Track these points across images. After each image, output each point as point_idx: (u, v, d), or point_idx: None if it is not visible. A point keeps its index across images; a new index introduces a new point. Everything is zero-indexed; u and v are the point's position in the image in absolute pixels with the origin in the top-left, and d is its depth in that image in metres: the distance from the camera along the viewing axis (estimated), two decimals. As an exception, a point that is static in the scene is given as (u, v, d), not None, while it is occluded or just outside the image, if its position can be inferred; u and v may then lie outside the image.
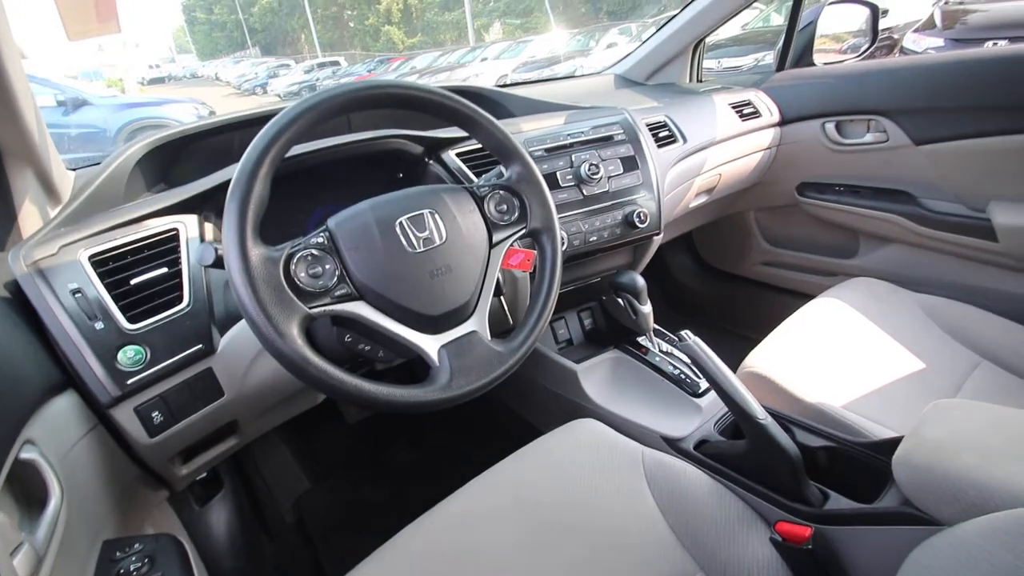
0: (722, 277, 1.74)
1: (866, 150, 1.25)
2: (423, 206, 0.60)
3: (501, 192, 0.66)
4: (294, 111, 0.53)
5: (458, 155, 0.88)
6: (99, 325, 0.59)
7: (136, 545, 0.57)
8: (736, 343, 1.06)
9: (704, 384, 0.90)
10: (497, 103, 1.22)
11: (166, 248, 0.65)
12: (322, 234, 0.56)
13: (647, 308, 0.97)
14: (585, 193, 0.94)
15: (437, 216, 0.60)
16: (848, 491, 0.66)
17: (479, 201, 0.65)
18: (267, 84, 17.03)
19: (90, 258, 0.61)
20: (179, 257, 0.65)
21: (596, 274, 1.08)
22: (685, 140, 1.15)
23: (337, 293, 0.54)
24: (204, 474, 0.85)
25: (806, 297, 1.09)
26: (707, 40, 1.47)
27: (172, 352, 0.61)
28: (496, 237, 0.64)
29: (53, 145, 0.72)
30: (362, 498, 1.24)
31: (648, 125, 1.10)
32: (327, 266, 0.54)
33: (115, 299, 0.60)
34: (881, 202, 1.26)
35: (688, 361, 0.94)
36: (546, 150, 0.94)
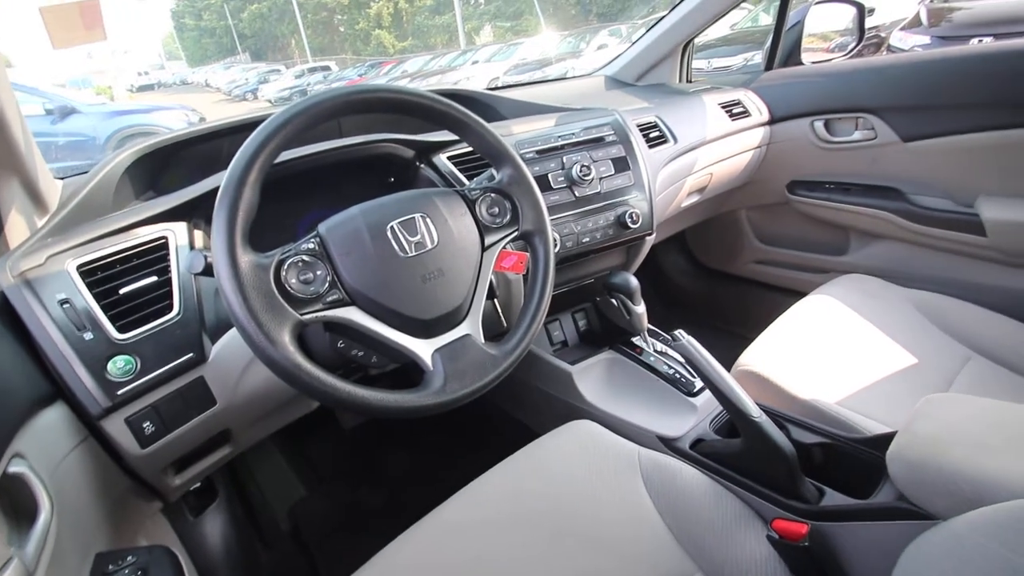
0: (715, 276, 1.74)
1: (855, 148, 1.26)
2: (414, 210, 0.60)
3: (492, 195, 0.66)
4: (283, 116, 0.53)
5: (449, 158, 0.88)
6: (88, 335, 0.58)
7: (129, 557, 0.56)
8: (730, 341, 1.07)
9: (699, 383, 0.90)
10: (488, 106, 1.22)
11: (155, 256, 0.64)
12: (313, 240, 0.56)
13: (641, 308, 0.97)
14: (577, 194, 0.94)
15: (428, 220, 0.60)
16: (843, 487, 0.67)
17: (470, 204, 0.65)
18: (258, 90, 16.97)
19: (78, 268, 0.61)
20: (169, 265, 0.64)
21: (589, 275, 1.08)
22: (676, 140, 1.15)
23: (329, 299, 0.53)
24: (198, 484, 0.84)
25: (799, 294, 1.09)
26: (696, 40, 1.48)
27: (163, 361, 0.61)
28: (488, 240, 0.64)
29: (39, 154, 0.71)
30: (358, 504, 1.24)
31: (639, 126, 1.10)
32: (318, 272, 0.54)
33: (104, 309, 0.60)
34: (871, 199, 1.27)
35: (683, 360, 0.94)
36: (537, 152, 0.94)
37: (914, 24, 4.53)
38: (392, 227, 0.58)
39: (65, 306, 0.58)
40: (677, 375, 0.94)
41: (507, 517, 0.66)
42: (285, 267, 0.52)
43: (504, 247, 0.66)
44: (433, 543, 0.64)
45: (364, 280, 0.55)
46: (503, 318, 0.85)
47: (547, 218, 0.68)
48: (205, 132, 0.91)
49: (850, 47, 1.41)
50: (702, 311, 1.80)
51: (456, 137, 0.69)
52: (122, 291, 0.61)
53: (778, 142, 1.38)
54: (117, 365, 0.58)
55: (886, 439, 0.61)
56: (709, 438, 0.81)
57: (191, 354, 0.62)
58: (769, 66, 1.43)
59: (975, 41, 3.74)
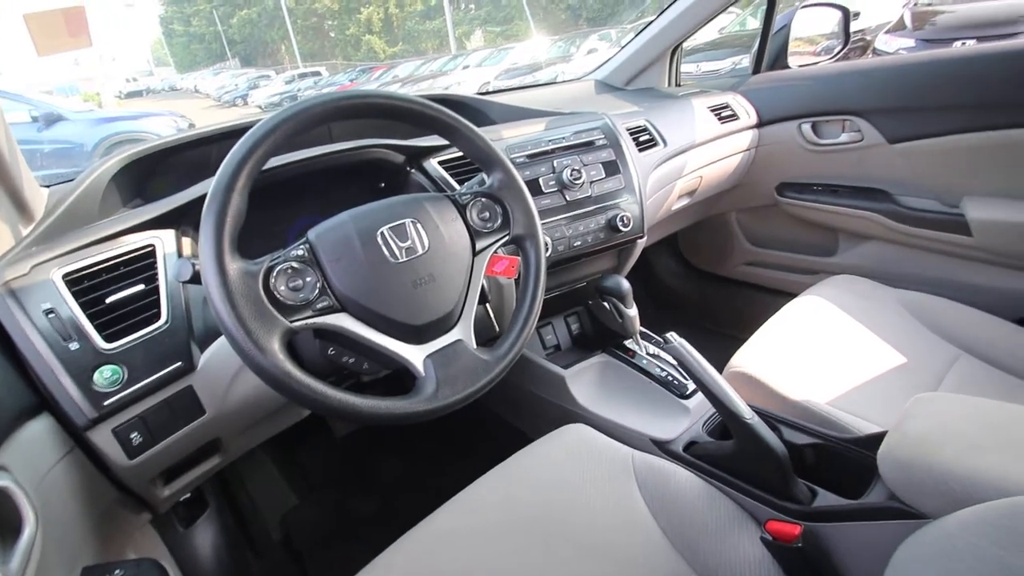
0: (707, 278, 1.75)
1: (842, 150, 1.27)
2: (405, 215, 0.60)
3: (483, 199, 0.66)
4: (271, 123, 0.53)
5: (440, 163, 0.88)
6: (74, 345, 0.57)
7: (117, 571, 0.55)
8: (722, 343, 1.07)
9: (691, 385, 0.90)
10: (478, 111, 1.22)
11: (143, 265, 0.64)
12: (302, 246, 0.55)
13: (633, 311, 0.97)
14: (568, 198, 0.94)
15: (419, 225, 0.60)
16: (836, 487, 0.67)
17: (461, 209, 0.65)
18: (247, 95, 16.90)
19: (64, 277, 0.60)
20: (156, 273, 0.63)
21: (581, 278, 1.08)
22: (665, 144, 1.16)
23: (319, 306, 0.53)
24: (188, 494, 0.83)
25: (789, 296, 1.10)
26: (685, 44, 1.49)
27: (150, 371, 0.60)
28: (479, 245, 0.64)
29: (24, 162, 0.70)
30: (350, 512, 1.23)
31: (628, 129, 1.11)
32: (308, 279, 0.53)
33: (90, 318, 0.59)
34: (858, 200, 1.28)
35: (675, 363, 0.94)
36: (528, 156, 0.94)
37: (898, 27, 4.60)
38: (382, 233, 0.58)
39: (50, 316, 0.57)
40: (670, 377, 0.94)
41: (501, 524, 0.66)
42: (274, 274, 0.51)
43: (495, 251, 0.66)
44: (427, 551, 0.63)
45: (354, 286, 0.54)
46: (496, 322, 0.85)
47: (538, 222, 0.68)
48: (193, 139, 0.91)
49: (836, 50, 1.42)
50: (694, 313, 1.80)
51: (446, 142, 0.69)
52: (108, 300, 0.60)
53: (766, 145, 1.39)
54: (104, 375, 0.58)
55: (877, 439, 0.61)
56: (702, 440, 0.81)
57: (179, 363, 0.61)
58: (757, 70, 1.44)
59: (958, 44, 3.81)
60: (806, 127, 1.31)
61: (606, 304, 0.99)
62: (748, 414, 0.68)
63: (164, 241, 0.66)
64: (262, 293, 0.50)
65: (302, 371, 0.50)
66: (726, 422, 0.71)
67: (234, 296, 0.48)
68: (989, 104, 1.06)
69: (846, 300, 1.05)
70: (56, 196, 0.76)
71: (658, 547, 0.63)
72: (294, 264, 0.53)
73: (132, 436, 0.60)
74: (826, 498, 0.66)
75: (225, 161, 0.51)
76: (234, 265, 0.49)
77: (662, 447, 0.82)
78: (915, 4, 4.94)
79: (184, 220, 0.70)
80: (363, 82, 14.83)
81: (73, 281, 0.60)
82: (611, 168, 1.00)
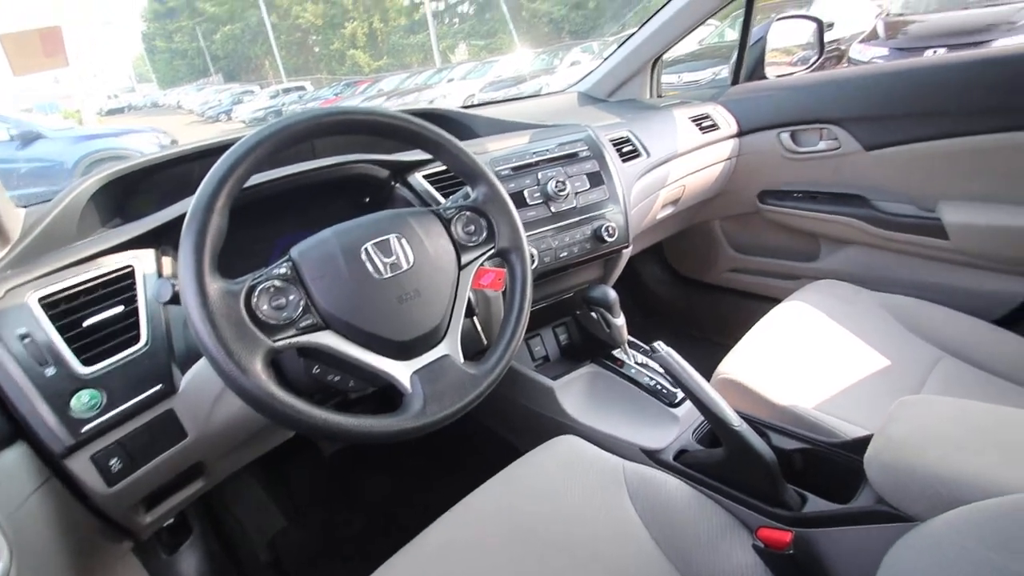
0: (693, 285, 1.77)
1: (820, 157, 1.30)
2: (389, 231, 0.60)
3: (468, 213, 0.66)
4: (251, 141, 0.52)
5: (425, 177, 0.88)
6: (50, 371, 0.56)
7: None
8: (709, 349, 1.08)
9: (680, 394, 0.91)
10: (463, 124, 1.22)
11: (121, 286, 0.62)
12: (285, 264, 0.55)
13: (620, 321, 0.97)
14: (553, 210, 0.95)
15: (403, 240, 0.60)
16: (825, 492, 0.67)
17: (446, 223, 0.65)
18: (231, 110, 16.82)
19: (40, 300, 0.58)
20: (135, 295, 0.62)
21: (569, 289, 1.09)
22: (648, 154, 1.17)
23: (302, 324, 0.52)
24: (171, 520, 0.81)
25: (774, 301, 1.11)
26: (667, 56, 1.51)
27: (130, 394, 0.59)
28: (465, 259, 0.64)
29: (-1, 182, 0.69)
30: (340, 531, 1.20)
31: (612, 141, 1.12)
32: (291, 297, 0.53)
33: (68, 342, 0.58)
34: (838, 206, 1.30)
35: (663, 371, 0.95)
36: (513, 169, 0.95)
37: (872, 37, 4.73)
38: (366, 248, 0.57)
39: (26, 341, 0.56)
40: (658, 386, 0.94)
41: (494, 538, 0.65)
42: (256, 293, 0.51)
43: (481, 265, 0.66)
44: (422, 567, 0.62)
45: (338, 303, 0.54)
46: (483, 335, 0.84)
47: (523, 235, 0.68)
48: (174, 156, 0.90)
49: (812, 60, 1.46)
50: (681, 320, 1.82)
51: (431, 156, 0.69)
52: (86, 323, 0.59)
53: (747, 154, 1.41)
54: (81, 400, 0.56)
55: (864, 442, 0.62)
56: (692, 448, 0.81)
57: (160, 386, 0.60)
58: (735, 80, 1.47)
59: (930, 52, 3.92)
60: (785, 136, 1.34)
61: (594, 314, 0.99)
62: (736, 421, 0.68)
63: (143, 261, 0.65)
64: (244, 313, 0.49)
65: (286, 391, 0.49)
66: (715, 430, 0.71)
67: (215, 317, 0.47)
68: (960, 111, 1.09)
69: (829, 305, 1.06)
70: (33, 217, 0.74)
71: (651, 558, 0.63)
72: (276, 282, 0.52)
73: (111, 462, 0.58)
74: (816, 503, 0.66)
75: (205, 180, 0.51)
76: (214, 285, 0.48)
77: (653, 456, 0.82)
78: (887, 14, 5.09)
79: (164, 239, 0.69)
80: (348, 96, 14.85)
81: (49, 304, 0.59)
82: (595, 179, 1.01)
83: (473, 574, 0.61)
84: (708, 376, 0.89)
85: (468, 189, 0.69)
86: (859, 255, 1.33)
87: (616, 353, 1.03)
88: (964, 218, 1.12)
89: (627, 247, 1.05)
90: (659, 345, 0.74)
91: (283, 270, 0.54)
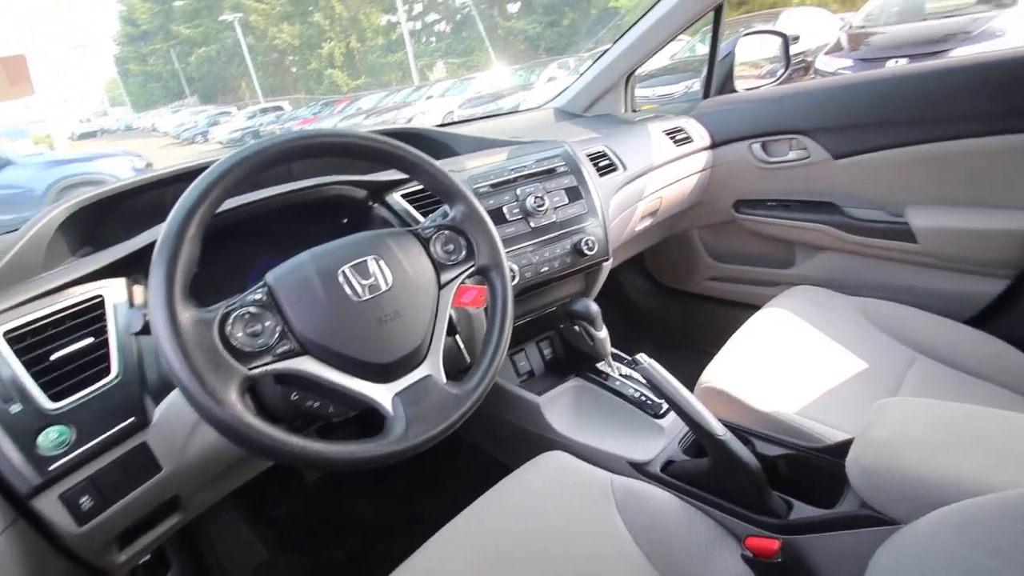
0: (674, 295, 1.79)
1: (791, 167, 1.33)
2: (366, 252, 0.59)
3: (446, 232, 0.66)
4: (223, 166, 0.52)
5: (404, 196, 0.88)
6: (15, 408, 0.54)
7: None
8: (693, 357, 1.08)
9: (665, 405, 0.91)
10: (440, 143, 1.23)
11: (91, 317, 0.61)
12: (260, 290, 0.54)
13: (603, 333, 0.98)
14: (533, 225, 0.95)
15: (381, 261, 0.59)
16: (810, 498, 0.68)
17: (424, 243, 0.64)
18: (208, 132, 16.69)
19: (5, 335, 0.56)
20: (105, 326, 0.61)
21: (551, 303, 1.09)
22: (625, 168, 1.19)
23: (279, 350, 0.51)
24: (148, 556, 0.78)
25: (753, 308, 1.13)
26: (640, 71, 1.55)
27: (101, 429, 0.57)
28: (444, 277, 0.64)
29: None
30: (326, 561, 1.17)
31: (589, 155, 1.13)
32: (267, 323, 0.52)
33: (34, 377, 0.56)
34: (810, 214, 1.34)
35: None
36: (491, 186, 0.95)
37: (836, 49, 4.91)
38: (344, 271, 0.57)
39: None
40: (643, 398, 0.94)
41: (484, 560, 0.64)
42: (230, 320, 0.50)
43: (461, 283, 0.65)
44: None
45: (316, 328, 0.53)
46: (466, 353, 0.84)
47: (502, 252, 0.68)
48: (148, 181, 0.88)
49: (779, 73, 1.50)
50: (664, 330, 1.83)
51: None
52: (53, 357, 0.57)
53: (721, 165, 1.44)
54: (49, 437, 0.54)
55: (845, 446, 0.63)
56: (679, 459, 0.81)
57: (132, 419, 0.58)
58: (707, 94, 1.50)
59: (892, 62, 4.08)
60: (756, 147, 1.37)
61: (577, 328, 0.99)
62: (720, 431, 0.68)
63: (114, 291, 0.63)
64: (217, 341, 0.48)
65: (263, 420, 0.48)
66: (700, 440, 0.71)
67: (187, 346, 0.46)
68: (922, 119, 1.13)
69: (807, 310, 1.08)
70: None
71: (642, 573, 0.62)
72: (252, 309, 0.51)
73: (82, 501, 0.56)
74: (801, 510, 0.67)
75: (175, 207, 0.50)
76: (186, 314, 0.47)
77: (640, 469, 0.82)
78: (850, 27, 5.29)
79: (136, 268, 0.67)
80: (327, 115, 14.82)
81: (15, 339, 0.57)
82: (573, 194, 1.02)
83: None
84: (692, 385, 0.90)
85: (446, 208, 0.69)
86: (833, 261, 1.36)
87: (600, 366, 1.03)
88: (931, 222, 1.16)
89: (607, 260, 1.06)
90: (642, 357, 0.75)
91: (258, 296, 0.53)
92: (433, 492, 1.23)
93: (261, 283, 0.55)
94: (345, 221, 0.90)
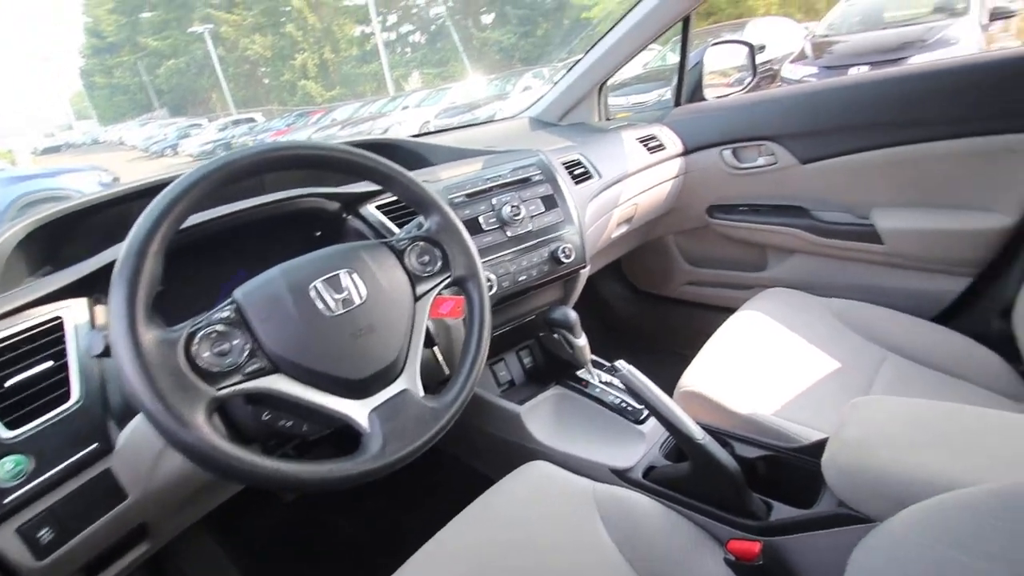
0: (652, 300, 1.80)
1: (760, 172, 1.36)
2: (338, 266, 0.58)
3: (421, 243, 0.65)
4: (187, 180, 0.50)
5: (378, 207, 0.87)
6: None
7: None
8: (671, 361, 1.09)
9: (645, 411, 0.91)
10: (415, 153, 1.22)
11: (49, 339, 0.58)
12: (228, 307, 0.52)
13: (582, 341, 0.98)
14: (509, 234, 0.95)
15: (354, 275, 0.58)
16: (789, 498, 0.68)
17: (399, 255, 0.63)
18: (178, 145, 16.35)
19: None
20: (65, 348, 0.58)
21: (530, 312, 1.09)
22: (600, 175, 1.20)
23: (248, 369, 0.50)
24: None
25: (729, 311, 1.14)
26: (614, 79, 1.57)
27: (61, 457, 0.54)
28: (420, 289, 0.63)
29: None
30: None
31: (564, 164, 1.14)
32: (235, 341, 0.50)
33: None
34: (780, 217, 1.37)
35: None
36: (467, 196, 0.95)
37: (801, 57, 5.07)
38: (315, 286, 0.56)
39: None
40: (624, 404, 0.94)
41: (470, 574, 0.63)
42: (196, 340, 0.48)
43: (438, 294, 0.65)
44: None
45: (287, 344, 0.52)
46: (444, 365, 0.83)
47: (479, 262, 0.68)
48: (111, 197, 0.86)
49: (747, 82, 1.54)
50: (642, 335, 1.85)
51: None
52: (9, 383, 0.55)
53: (693, 171, 1.47)
54: (4, 468, 0.51)
55: (821, 446, 0.64)
56: (660, 464, 0.81)
57: (95, 444, 0.56)
58: (678, 102, 1.53)
59: (854, 69, 4.23)
60: (727, 153, 1.40)
61: (556, 336, 0.99)
62: (699, 435, 0.69)
63: (75, 312, 0.61)
64: (183, 362, 0.46)
65: (232, 443, 0.46)
66: (679, 444, 0.71)
67: (150, 368, 0.44)
68: (884, 123, 1.17)
69: (780, 312, 1.10)
70: None
71: None
72: (219, 327, 0.50)
73: (41, 533, 0.53)
74: (781, 511, 0.67)
75: (137, 224, 0.48)
76: (149, 335, 0.45)
77: (622, 476, 0.82)
78: (814, 35, 5.47)
79: (98, 287, 0.65)
80: (301, 126, 14.67)
81: None
82: (549, 202, 1.02)
83: None
84: (672, 389, 0.90)
85: (421, 219, 0.69)
86: (804, 263, 1.39)
87: (581, 373, 1.03)
88: (895, 223, 1.20)
89: (585, 267, 1.07)
90: (621, 364, 0.75)
91: (226, 313, 0.51)
92: (416, 506, 1.21)
93: (229, 300, 0.53)
94: (319, 234, 0.89)
